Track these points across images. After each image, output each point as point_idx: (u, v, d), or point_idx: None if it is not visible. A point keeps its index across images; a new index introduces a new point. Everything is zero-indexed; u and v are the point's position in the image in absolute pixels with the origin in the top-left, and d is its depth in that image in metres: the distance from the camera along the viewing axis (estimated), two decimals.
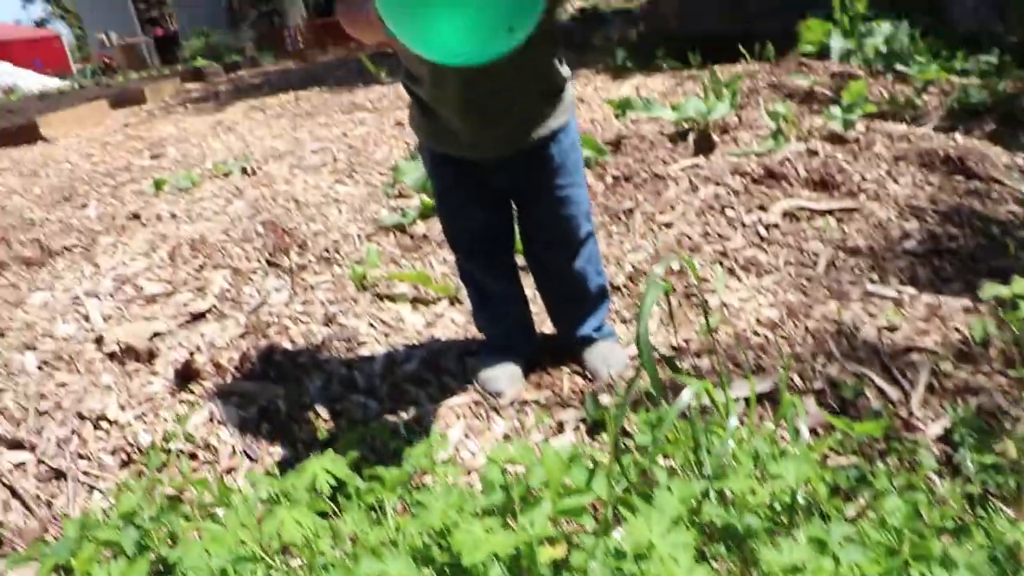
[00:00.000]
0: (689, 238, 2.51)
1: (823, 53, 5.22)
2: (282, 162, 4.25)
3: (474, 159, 1.65)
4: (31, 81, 17.69)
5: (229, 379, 1.97)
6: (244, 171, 4.20)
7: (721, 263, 2.34)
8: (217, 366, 2.00)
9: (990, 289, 1.63)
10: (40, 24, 40.16)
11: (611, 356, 1.85)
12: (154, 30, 21.69)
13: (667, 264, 2.12)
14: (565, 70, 1.66)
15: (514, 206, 1.77)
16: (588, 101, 4.81)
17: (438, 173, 1.73)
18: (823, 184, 2.85)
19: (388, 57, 7.53)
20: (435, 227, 2.89)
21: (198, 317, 2.34)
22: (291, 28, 17.50)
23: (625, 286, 2.25)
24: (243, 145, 5.10)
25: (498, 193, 1.73)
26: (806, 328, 1.96)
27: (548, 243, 1.79)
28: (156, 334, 2.27)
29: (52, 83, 17.89)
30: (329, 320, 2.20)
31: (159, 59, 19.45)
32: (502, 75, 1.45)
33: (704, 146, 3.27)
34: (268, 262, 2.81)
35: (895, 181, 2.83)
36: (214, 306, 2.40)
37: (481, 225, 1.75)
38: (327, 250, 2.83)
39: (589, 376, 1.84)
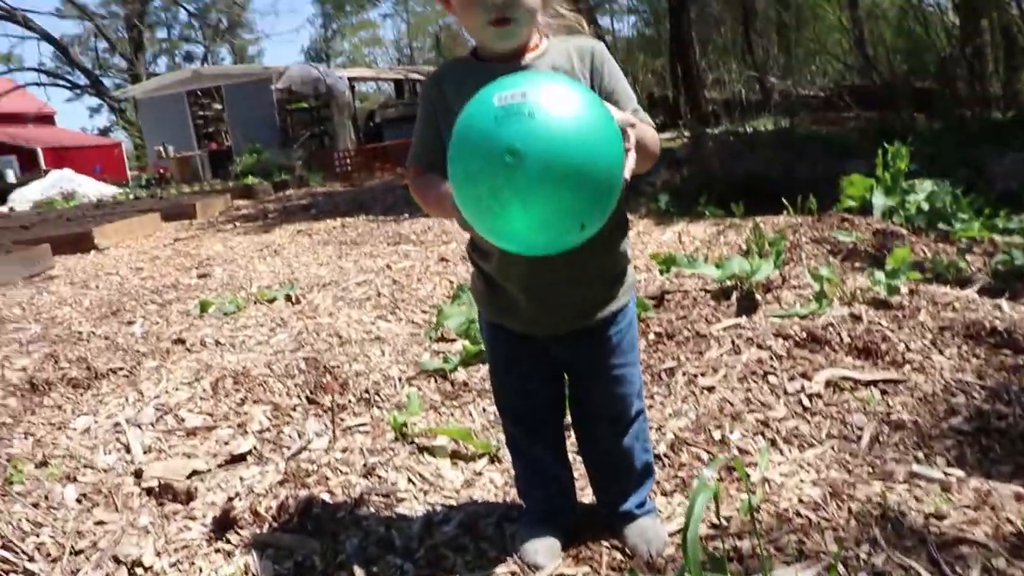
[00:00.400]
0: (731, 404, 2.50)
1: (865, 208, 5.28)
2: (326, 292, 4.34)
3: (532, 334, 1.68)
4: (89, 187, 18.37)
5: (266, 528, 1.96)
6: (288, 299, 4.29)
7: (763, 434, 2.32)
8: (255, 514, 2.00)
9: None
10: (103, 132, 41.95)
11: (651, 534, 1.82)
12: (208, 144, 22.54)
13: (718, 465, 2.10)
14: (629, 251, 1.72)
15: (566, 378, 1.80)
16: (631, 248, 4.88)
17: (494, 342, 1.76)
18: (867, 352, 2.84)
19: None
20: (476, 375, 2.91)
21: (238, 459, 2.35)
22: (340, 150, 18.08)
23: (666, 455, 2.23)
24: (289, 271, 5.22)
25: (553, 367, 1.75)
26: (850, 510, 1.92)
27: (598, 419, 1.80)
28: (195, 472, 2.28)
29: (108, 190, 18.55)
30: (368, 472, 2.20)
31: (211, 172, 20.13)
32: (571, 260, 1.50)
33: (747, 306, 3.30)
34: (309, 399, 2.83)
35: (940, 352, 2.82)
36: (254, 447, 2.42)
37: (533, 396, 1.77)
38: (367, 391, 2.85)
39: (629, 553, 1.81)
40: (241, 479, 2.23)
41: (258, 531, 1.96)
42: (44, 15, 59.40)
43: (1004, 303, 3.28)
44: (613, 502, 1.87)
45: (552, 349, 1.71)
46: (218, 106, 22.83)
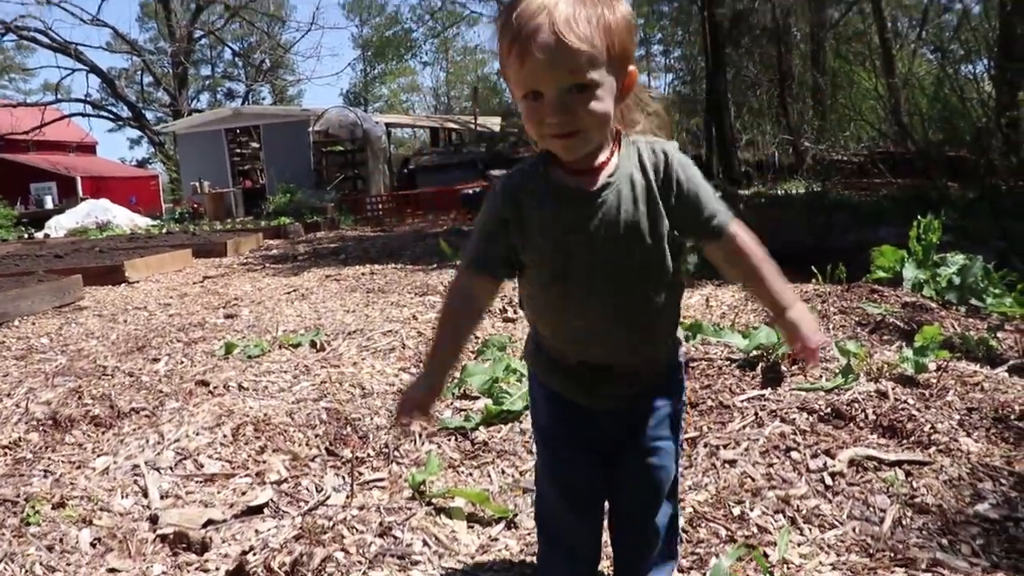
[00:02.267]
0: (752, 479, 2.47)
1: (896, 280, 5.23)
2: (352, 341, 4.35)
3: (591, 407, 1.67)
4: (123, 218, 18.71)
5: None
6: (313, 345, 4.31)
7: (783, 512, 2.28)
8: (269, 570, 1.99)
9: None
10: (141, 164, 42.80)
11: None
12: (243, 182, 22.90)
13: (737, 555, 2.07)
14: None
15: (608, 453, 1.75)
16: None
17: (546, 408, 1.72)
18: (892, 431, 2.80)
19: (464, 236, 7.79)
20: (497, 435, 2.90)
21: (255, 511, 2.35)
22: (373, 195, 18.28)
23: (684, 529, 2.20)
24: (315, 316, 5.25)
25: (603, 438, 1.70)
26: None
27: (639, 495, 1.75)
28: (210, 521, 2.28)
29: (142, 222, 18.88)
30: (384, 531, 2.19)
31: (244, 209, 20.41)
32: (639, 326, 1.58)
33: (772, 377, 3.27)
34: (328, 451, 2.83)
35: (968, 435, 2.77)
36: (272, 499, 2.41)
37: (589, 469, 1.70)
38: (387, 446, 2.85)
39: None
40: (256, 532, 2.23)
41: None
42: (94, 48, 61.00)
43: None
44: None
45: (606, 419, 1.68)
46: (255, 145, 23.26)
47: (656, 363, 1.69)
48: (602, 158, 1.52)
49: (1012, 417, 2.87)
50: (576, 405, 1.67)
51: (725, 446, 2.69)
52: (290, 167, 20.35)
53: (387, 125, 23.88)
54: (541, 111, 1.40)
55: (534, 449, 1.91)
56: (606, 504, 1.79)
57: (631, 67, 1.48)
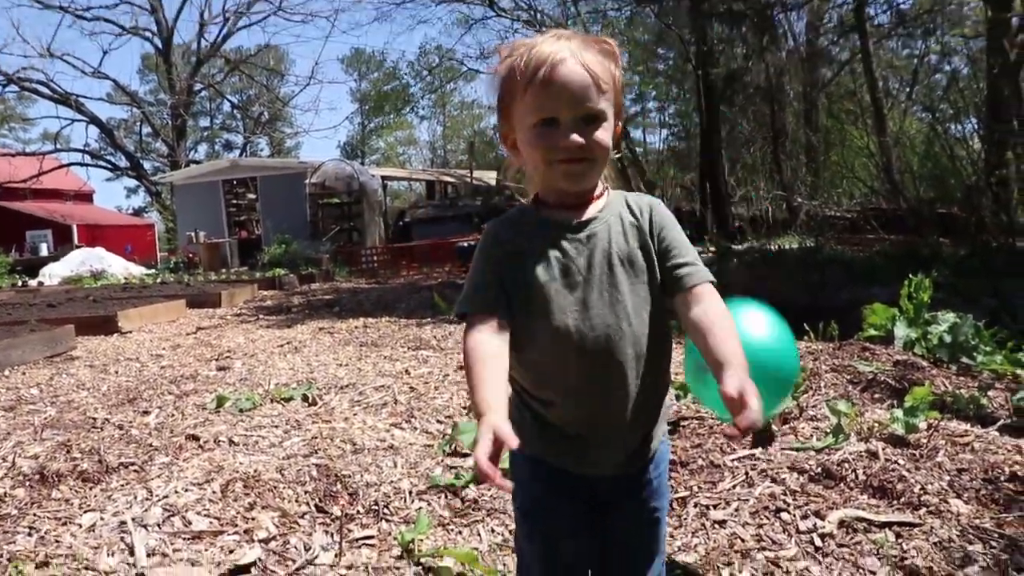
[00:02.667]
0: (742, 540, 2.46)
1: (887, 338, 5.26)
2: (344, 395, 4.35)
3: (580, 474, 1.62)
4: (117, 267, 18.74)
5: None
6: (305, 399, 4.30)
7: (773, 573, 2.27)
8: None
9: None
10: (137, 213, 42.96)
11: None
12: (239, 232, 22.99)
13: None
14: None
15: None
16: None
17: (531, 479, 1.65)
18: (882, 491, 2.80)
19: (458, 289, 7.80)
20: (487, 493, 2.89)
21: (242, 570, 2.33)
22: (368, 247, 18.36)
23: None
24: (308, 369, 5.25)
25: (592, 506, 1.66)
26: None
27: (635, 564, 1.72)
28: None
29: (137, 271, 18.90)
30: None
31: (239, 259, 20.45)
32: (638, 367, 1.56)
33: (763, 437, 3.27)
34: (318, 508, 2.82)
35: (958, 496, 2.76)
36: (259, 559, 2.39)
37: (570, 542, 1.65)
38: (377, 503, 2.83)
39: None
40: None
41: None
42: (95, 100, 61.57)
43: None
44: None
45: (601, 487, 1.64)
46: (252, 196, 23.41)
47: (652, 420, 1.65)
48: (593, 196, 1.62)
49: (1002, 479, 2.87)
50: (565, 473, 1.62)
51: (715, 506, 2.68)
52: (286, 218, 20.46)
53: (383, 178, 24.09)
54: (555, 136, 1.50)
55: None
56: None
57: (620, 122, 1.61)
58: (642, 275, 1.59)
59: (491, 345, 1.52)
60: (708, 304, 1.55)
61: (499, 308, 1.55)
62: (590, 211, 1.60)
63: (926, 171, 13.42)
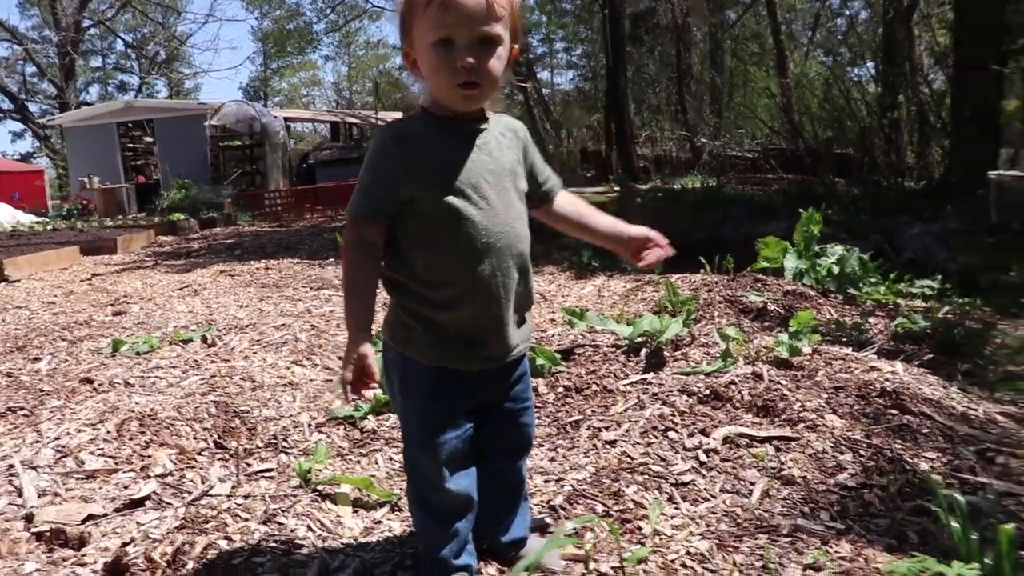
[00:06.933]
0: (631, 458, 2.56)
1: (779, 270, 5.47)
2: (243, 335, 4.31)
3: (476, 373, 1.77)
4: (4, 216, 17.85)
5: (160, 575, 1.94)
6: (205, 340, 4.24)
7: (660, 488, 2.38)
8: (149, 560, 1.98)
9: (887, 565, 1.71)
10: (25, 159, 40.88)
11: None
12: (136, 177, 22.16)
13: (584, 522, 2.17)
14: None
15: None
16: (550, 300, 4.97)
17: (424, 384, 1.77)
18: (765, 410, 2.95)
19: None
20: (385, 423, 2.93)
21: (137, 504, 2.32)
22: (271, 190, 17.96)
23: (562, 507, 2.28)
24: (207, 312, 5.17)
25: (477, 401, 1.83)
26: (734, 562, 1.99)
27: (510, 450, 1.93)
28: (90, 517, 2.24)
29: (26, 219, 18.06)
30: (269, 518, 2.20)
31: (137, 206, 19.77)
32: (520, 266, 1.75)
33: (655, 362, 3.39)
34: (217, 444, 2.81)
35: (834, 412, 2.93)
36: (154, 492, 2.39)
37: (463, 437, 1.80)
38: (276, 437, 2.85)
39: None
40: (138, 524, 2.20)
41: None
42: None
43: (898, 365, 3.43)
44: (508, 531, 1.97)
45: (481, 385, 1.80)
46: (149, 139, 22.53)
47: (527, 321, 1.85)
48: (483, 114, 1.76)
49: (873, 395, 3.05)
50: (456, 373, 1.75)
51: (607, 428, 2.79)
52: (186, 162, 19.78)
53: (286, 119, 23.50)
54: (454, 58, 1.58)
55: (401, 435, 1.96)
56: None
57: (517, 44, 1.70)
58: (521, 184, 1.79)
59: (373, 256, 1.69)
60: (571, 199, 1.93)
61: (387, 216, 1.68)
62: (481, 126, 1.74)
63: (824, 113, 13.80)
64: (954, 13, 10.87)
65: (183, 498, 2.38)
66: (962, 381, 3.38)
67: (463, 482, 1.83)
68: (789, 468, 2.52)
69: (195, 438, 2.84)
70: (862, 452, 2.60)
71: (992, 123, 10.20)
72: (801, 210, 5.67)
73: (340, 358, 3.81)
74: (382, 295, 1.75)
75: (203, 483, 2.48)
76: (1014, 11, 9.90)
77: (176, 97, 43.47)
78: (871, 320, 4.29)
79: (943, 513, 1.84)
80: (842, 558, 1.99)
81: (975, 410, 3.00)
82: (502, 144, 1.76)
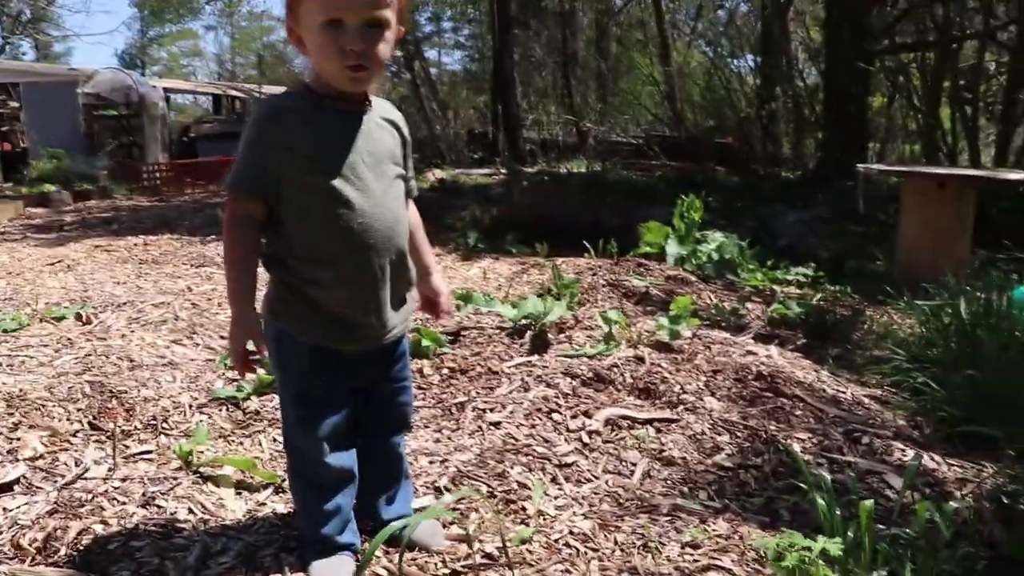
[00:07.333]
0: (515, 440, 2.62)
1: (661, 255, 5.63)
2: (120, 313, 4.16)
3: (355, 352, 1.79)
4: None
5: (29, 563, 1.88)
6: (79, 318, 4.08)
7: (544, 469, 2.45)
8: (18, 547, 1.91)
9: (759, 541, 1.82)
10: None
11: (432, 527, 2.02)
12: (1, 144, 20.92)
13: (460, 495, 2.24)
14: None
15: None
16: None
17: (304, 361, 1.78)
18: (647, 392, 3.06)
19: None
20: (269, 404, 2.90)
21: (4, 488, 2.23)
22: (150, 163, 17.28)
23: (447, 488, 2.32)
24: (81, 288, 4.97)
25: (356, 381, 1.86)
26: (615, 541, 2.07)
27: (390, 427, 1.97)
28: None
29: None
30: (147, 502, 2.16)
31: (2, 175, 18.67)
32: (398, 248, 1.78)
33: (539, 345, 3.46)
34: (91, 425, 2.72)
35: (712, 394, 3.06)
36: (24, 476, 2.30)
37: (344, 415, 1.83)
38: (155, 418, 2.78)
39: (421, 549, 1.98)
40: (5, 510, 2.12)
41: (20, 566, 1.88)
42: None
43: (773, 349, 3.61)
44: (391, 507, 2.01)
45: (360, 365, 1.82)
46: (14, 104, 21.27)
47: (407, 302, 1.89)
48: (366, 96, 1.78)
49: (749, 378, 3.20)
50: (335, 352, 1.77)
51: (491, 409, 2.84)
52: (57, 131, 18.73)
53: (166, 90, 22.57)
54: (343, 40, 1.59)
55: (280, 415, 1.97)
56: None
57: (403, 27, 1.73)
58: (399, 170, 1.83)
59: (255, 231, 1.70)
60: (415, 214, 1.95)
61: (268, 192, 1.68)
62: (363, 107, 1.76)
63: (706, 102, 14.19)
64: (825, 12, 11.34)
65: (55, 482, 2.30)
66: (832, 365, 3.57)
67: (343, 456, 1.85)
68: (669, 449, 2.62)
69: (68, 419, 2.74)
70: (739, 433, 2.73)
71: (861, 119, 10.71)
72: (682, 196, 5.85)
73: (224, 337, 3.74)
74: (264, 271, 1.75)
75: (77, 466, 2.41)
76: (878, 14, 10.43)
77: (45, 61, 41.18)
78: (748, 305, 4.48)
79: (811, 490, 1.95)
80: (719, 536, 2.09)
81: (844, 392, 3.19)
82: (383, 128, 1.79)
